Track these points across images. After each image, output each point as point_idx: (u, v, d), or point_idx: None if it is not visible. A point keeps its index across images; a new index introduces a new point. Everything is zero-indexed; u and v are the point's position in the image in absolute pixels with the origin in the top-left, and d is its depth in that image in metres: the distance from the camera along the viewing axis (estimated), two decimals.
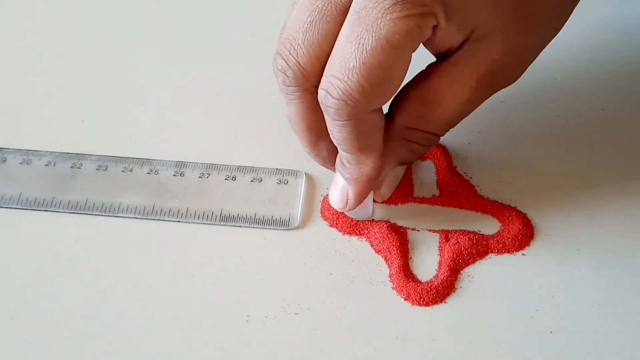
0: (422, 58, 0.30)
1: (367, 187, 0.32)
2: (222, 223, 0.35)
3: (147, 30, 0.44)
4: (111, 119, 0.39)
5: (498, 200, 0.36)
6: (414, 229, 0.35)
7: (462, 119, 0.32)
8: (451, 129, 0.33)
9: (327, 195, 0.36)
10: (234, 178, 0.36)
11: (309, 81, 0.29)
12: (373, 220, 0.35)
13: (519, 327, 0.31)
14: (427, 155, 0.37)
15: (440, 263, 0.33)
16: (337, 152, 0.32)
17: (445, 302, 0.32)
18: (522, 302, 0.32)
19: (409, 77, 0.30)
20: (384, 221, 0.35)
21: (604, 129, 0.39)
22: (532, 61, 0.32)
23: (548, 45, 0.32)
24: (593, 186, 0.36)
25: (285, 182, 0.36)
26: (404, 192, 0.36)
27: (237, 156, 0.37)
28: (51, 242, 0.34)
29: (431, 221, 0.35)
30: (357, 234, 0.34)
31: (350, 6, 0.28)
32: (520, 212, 0.35)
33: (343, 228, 0.34)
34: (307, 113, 0.31)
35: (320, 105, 0.29)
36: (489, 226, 0.35)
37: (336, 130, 0.30)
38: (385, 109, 0.31)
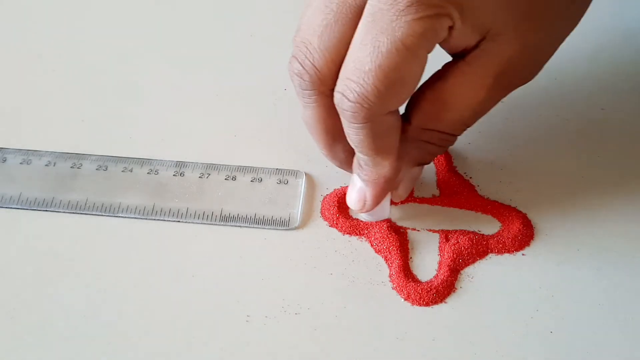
0: (437, 58, 0.30)
1: (385, 188, 0.32)
2: (222, 223, 0.35)
3: (147, 30, 0.44)
4: (111, 119, 0.39)
5: (498, 200, 0.36)
6: (414, 229, 0.35)
7: (478, 119, 0.32)
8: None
9: (327, 195, 0.36)
10: (234, 178, 0.36)
11: (325, 84, 0.29)
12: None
13: (519, 327, 0.31)
14: None
15: (440, 263, 0.33)
16: (353, 153, 0.32)
17: (445, 302, 0.32)
18: (522, 302, 0.32)
19: (424, 77, 0.30)
20: (384, 221, 0.35)
21: (604, 129, 0.39)
22: (548, 59, 0.32)
23: None
24: (593, 186, 0.36)
25: (285, 182, 0.36)
26: None
27: (237, 156, 0.37)
28: (51, 242, 0.34)
29: (431, 221, 0.35)
30: (357, 234, 0.34)
31: (364, 8, 0.28)
32: (520, 212, 0.35)
33: (343, 228, 0.34)
34: (324, 116, 0.31)
35: (337, 108, 0.29)
36: (489, 226, 0.35)
37: (353, 133, 0.29)
38: (401, 109, 0.31)
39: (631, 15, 0.43)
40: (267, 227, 0.34)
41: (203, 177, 0.36)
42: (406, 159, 0.33)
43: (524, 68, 0.31)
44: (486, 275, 0.33)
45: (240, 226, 0.35)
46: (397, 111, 0.30)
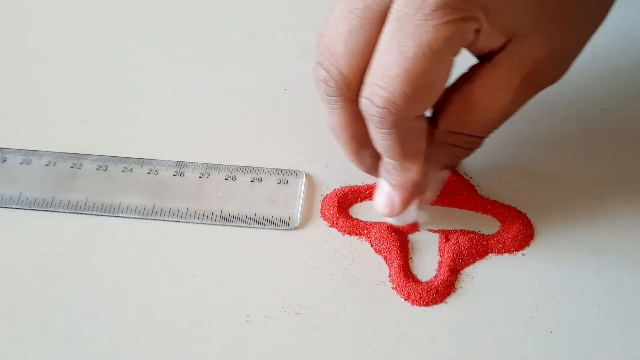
0: (462, 60, 0.30)
1: (413, 192, 0.32)
2: (222, 223, 0.35)
3: (147, 30, 0.44)
4: (111, 119, 0.39)
5: (498, 200, 0.36)
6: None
7: (506, 120, 0.32)
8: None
9: (327, 195, 0.36)
10: (234, 178, 0.36)
11: (351, 90, 0.29)
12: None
13: (519, 327, 0.31)
14: None
15: (440, 263, 0.33)
16: (380, 158, 0.31)
17: (445, 302, 0.32)
18: (522, 302, 0.32)
19: (450, 79, 0.30)
20: (384, 221, 0.35)
21: (604, 129, 0.39)
22: (576, 58, 0.31)
23: None
24: (593, 186, 0.36)
25: (285, 182, 0.36)
26: None
27: (237, 156, 0.37)
28: (51, 242, 0.34)
29: (431, 221, 0.35)
30: (357, 234, 0.34)
31: (389, 13, 0.27)
32: (520, 212, 0.35)
33: (343, 228, 0.34)
34: (350, 122, 0.30)
35: (363, 113, 0.29)
36: (489, 226, 0.35)
37: (380, 138, 0.29)
38: (427, 113, 0.31)
39: (631, 15, 0.43)
40: (267, 227, 0.34)
41: (203, 177, 0.36)
42: (433, 163, 0.32)
43: (551, 68, 0.31)
44: (486, 275, 0.33)
45: (240, 226, 0.35)
46: (424, 115, 0.30)
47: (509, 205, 0.35)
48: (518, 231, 0.34)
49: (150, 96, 0.40)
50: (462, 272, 0.33)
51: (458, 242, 0.34)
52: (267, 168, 0.37)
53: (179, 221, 0.35)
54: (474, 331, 0.31)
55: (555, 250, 0.34)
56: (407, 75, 0.27)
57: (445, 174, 0.35)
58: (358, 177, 0.36)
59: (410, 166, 0.31)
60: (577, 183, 0.36)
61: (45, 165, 0.36)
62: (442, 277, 0.33)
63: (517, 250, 0.34)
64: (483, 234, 0.34)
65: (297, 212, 0.35)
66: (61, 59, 0.42)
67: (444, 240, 0.34)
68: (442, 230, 0.35)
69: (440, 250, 0.34)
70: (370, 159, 0.32)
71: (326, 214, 0.35)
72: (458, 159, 0.34)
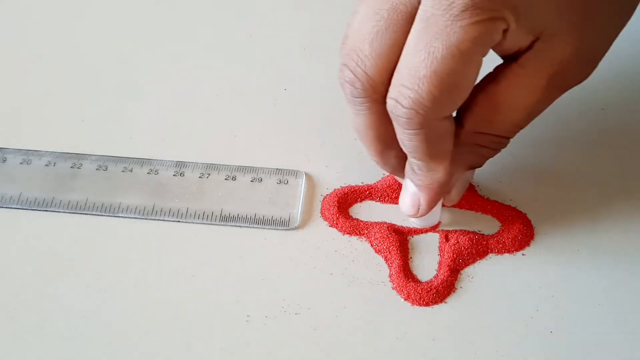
0: (487, 60, 0.29)
1: (439, 193, 0.32)
2: (222, 223, 0.35)
3: (147, 30, 0.44)
4: (111, 119, 0.39)
5: (498, 200, 0.36)
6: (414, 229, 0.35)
7: (531, 120, 0.32)
8: None
9: (327, 195, 0.36)
10: (234, 178, 0.36)
11: (377, 92, 0.29)
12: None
13: (519, 327, 0.31)
14: None
15: (440, 263, 0.33)
16: (405, 159, 0.31)
17: (445, 302, 0.32)
18: (522, 302, 0.32)
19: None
20: (384, 221, 0.35)
21: (604, 129, 0.39)
22: (602, 57, 0.31)
23: None
24: (593, 186, 0.36)
25: (285, 182, 0.36)
26: None
27: (237, 156, 0.37)
28: (51, 242, 0.34)
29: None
30: (357, 234, 0.34)
31: (416, 14, 0.27)
32: (520, 212, 0.35)
33: (343, 228, 0.34)
34: (376, 123, 0.30)
35: (390, 114, 0.29)
36: (489, 226, 0.35)
37: (407, 139, 0.29)
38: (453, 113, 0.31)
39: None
40: (267, 227, 0.34)
41: (203, 177, 0.36)
42: (459, 163, 0.32)
43: (578, 68, 0.30)
44: (486, 275, 0.33)
45: (240, 226, 0.35)
46: (451, 116, 0.30)
47: (509, 205, 0.35)
48: (518, 231, 0.34)
49: (150, 96, 0.40)
50: (462, 272, 0.33)
51: (458, 242, 0.34)
52: (267, 168, 0.37)
53: (179, 221, 0.35)
54: (474, 331, 0.31)
55: (555, 250, 0.34)
56: (435, 76, 0.27)
57: (471, 175, 0.35)
58: (358, 177, 0.36)
59: (436, 167, 0.30)
60: (577, 183, 0.36)
61: (45, 165, 0.36)
62: (442, 277, 0.33)
63: (517, 250, 0.34)
64: (483, 234, 0.34)
65: (297, 212, 0.35)
66: (61, 59, 0.42)
67: (444, 240, 0.34)
68: (442, 230, 0.35)
69: (440, 250, 0.34)
70: (396, 160, 0.32)
71: (326, 214, 0.35)
72: (484, 159, 0.33)
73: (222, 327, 0.31)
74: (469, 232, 0.34)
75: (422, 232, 0.34)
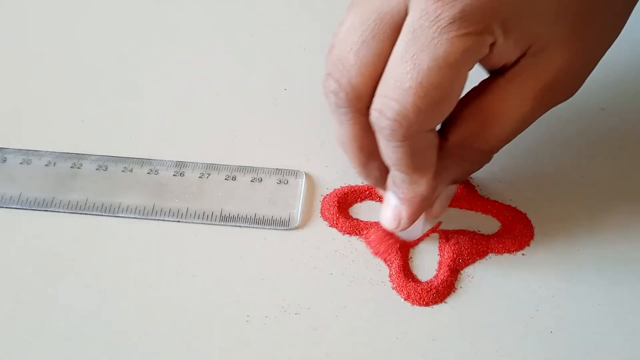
0: (473, 73, 0.29)
1: (421, 206, 0.31)
2: (222, 223, 0.35)
3: (147, 30, 0.44)
4: (111, 119, 0.39)
5: (498, 200, 0.36)
6: None
7: (516, 136, 0.31)
8: None
9: (327, 195, 0.36)
10: (234, 178, 0.36)
11: (361, 102, 0.28)
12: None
13: (519, 327, 0.31)
14: None
15: (440, 263, 0.33)
16: (388, 171, 0.31)
17: (445, 302, 0.32)
18: (522, 302, 0.32)
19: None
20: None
21: (604, 129, 0.39)
22: (590, 72, 0.31)
23: None
24: (593, 186, 0.36)
25: (285, 182, 0.36)
26: None
27: (237, 156, 0.37)
28: (51, 242, 0.34)
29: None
30: (357, 234, 0.34)
31: (402, 24, 0.27)
32: (520, 212, 0.35)
33: (343, 228, 0.34)
34: (360, 134, 0.30)
35: (373, 126, 0.28)
36: (489, 226, 0.35)
37: (390, 151, 0.29)
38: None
39: (632, 15, 0.43)
40: (267, 227, 0.34)
41: (203, 177, 0.36)
42: (442, 177, 0.32)
43: (567, 82, 0.30)
44: (486, 275, 0.33)
45: (240, 226, 0.35)
46: (435, 129, 0.29)
47: (509, 205, 0.35)
48: (518, 231, 0.34)
49: (150, 96, 0.40)
50: (462, 272, 0.33)
51: (458, 242, 0.34)
52: (267, 168, 0.37)
53: (179, 221, 0.35)
54: (474, 331, 0.31)
55: (555, 250, 0.34)
56: (420, 88, 0.26)
57: (454, 189, 0.34)
58: (358, 177, 0.36)
59: (419, 180, 0.30)
60: (577, 183, 0.36)
61: (45, 165, 0.36)
62: (442, 277, 0.33)
63: (517, 250, 0.34)
64: (483, 234, 0.34)
65: (297, 212, 0.35)
66: (61, 59, 0.42)
67: (444, 240, 0.34)
68: (442, 230, 0.35)
69: (440, 250, 0.34)
70: (378, 172, 0.32)
71: (326, 214, 0.35)
72: (467, 173, 0.33)
73: (222, 327, 0.31)
74: (469, 232, 0.34)
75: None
